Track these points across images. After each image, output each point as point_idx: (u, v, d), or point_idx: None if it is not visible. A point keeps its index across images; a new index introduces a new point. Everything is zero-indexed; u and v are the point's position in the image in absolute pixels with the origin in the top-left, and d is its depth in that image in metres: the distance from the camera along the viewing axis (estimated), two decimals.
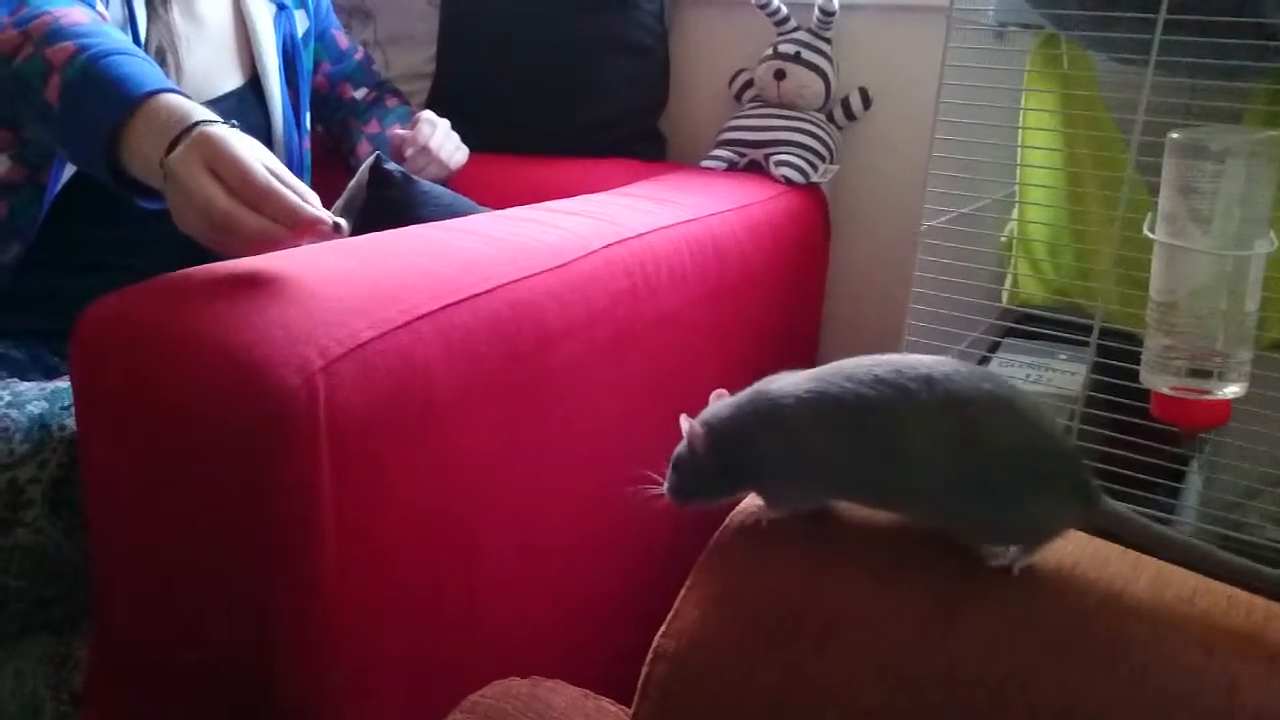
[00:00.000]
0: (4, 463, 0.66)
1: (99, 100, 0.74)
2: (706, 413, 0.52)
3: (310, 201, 0.68)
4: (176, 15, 1.01)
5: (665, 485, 0.53)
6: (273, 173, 0.68)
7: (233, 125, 0.71)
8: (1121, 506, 0.48)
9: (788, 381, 0.50)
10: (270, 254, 0.71)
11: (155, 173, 0.71)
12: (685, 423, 0.51)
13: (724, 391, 0.54)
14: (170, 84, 0.76)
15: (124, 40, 0.81)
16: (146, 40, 0.97)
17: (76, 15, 0.81)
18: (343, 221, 0.70)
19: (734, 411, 0.51)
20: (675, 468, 0.52)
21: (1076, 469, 0.47)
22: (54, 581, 0.70)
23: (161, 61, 0.98)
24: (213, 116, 0.71)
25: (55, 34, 0.78)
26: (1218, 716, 0.41)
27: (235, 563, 0.61)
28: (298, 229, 0.68)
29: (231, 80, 1.08)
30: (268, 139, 1.10)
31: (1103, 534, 0.48)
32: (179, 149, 0.69)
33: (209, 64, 1.05)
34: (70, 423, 0.69)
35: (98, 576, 0.66)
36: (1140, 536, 0.47)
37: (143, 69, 0.76)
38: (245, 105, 1.08)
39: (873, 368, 0.48)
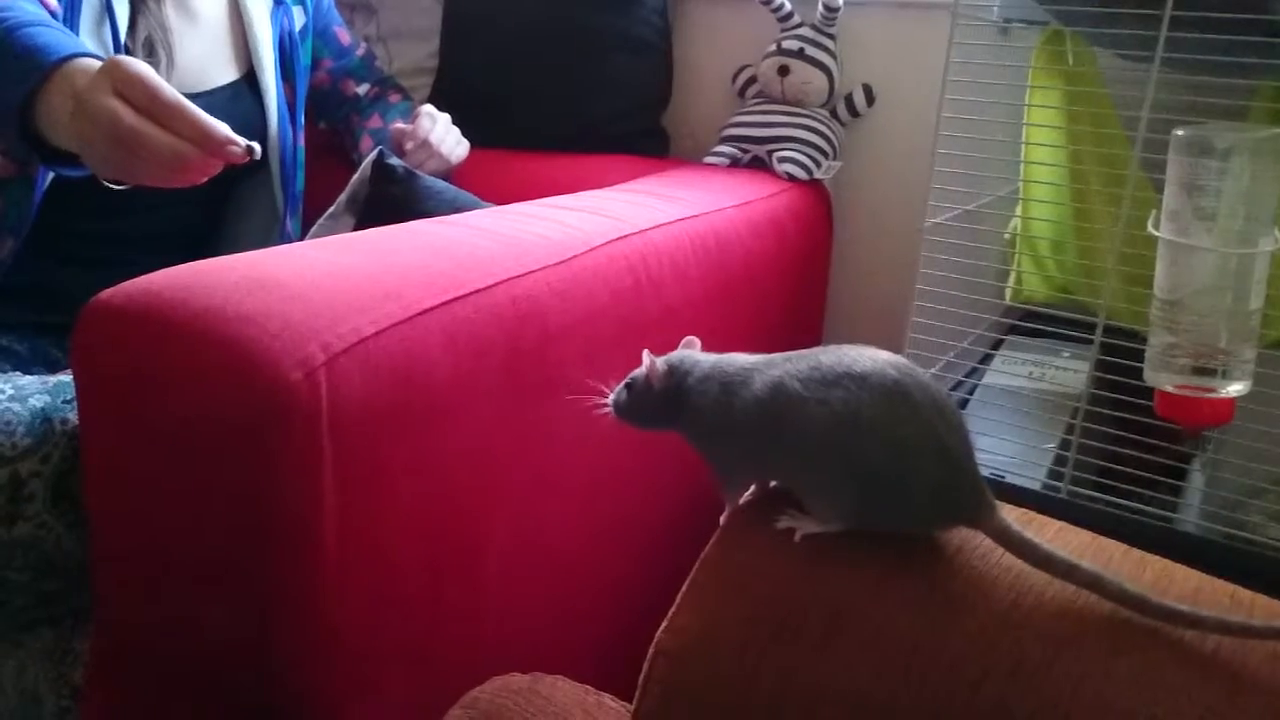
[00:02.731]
0: (6, 456, 0.66)
1: (14, 70, 0.74)
2: (673, 355, 0.56)
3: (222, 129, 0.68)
4: (169, 9, 1.01)
5: (611, 397, 0.57)
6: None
7: None
8: (1012, 524, 0.47)
9: (754, 359, 0.54)
10: (272, 249, 0.71)
11: (66, 131, 0.71)
12: (648, 358, 0.55)
13: (695, 340, 0.58)
14: (86, 49, 0.75)
15: (41, 13, 0.80)
16: (133, 33, 0.97)
17: None
18: (255, 145, 0.69)
19: (693, 365, 0.54)
20: (628, 388, 0.56)
21: (953, 475, 0.48)
22: (55, 576, 0.70)
23: (151, 54, 0.98)
24: None
25: None
26: (1220, 714, 0.41)
27: (236, 558, 0.61)
28: (208, 148, 0.67)
29: (226, 74, 1.07)
30: (262, 134, 1.10)
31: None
32: (88, 78, 0.69)
33: (203, 58, 1.05)
34: (73, 416, 0.69)
35: (99, 571, 0.66)
36: (1029, 556, 0.47)
37: (57, 38, 0.75)
38: (240, 99, 1.08)
39: (815, 354, 0.51)
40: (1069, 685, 0.42)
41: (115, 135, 0.66)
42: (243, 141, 0.68)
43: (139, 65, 0.68)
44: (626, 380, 0.57)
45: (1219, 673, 0.42)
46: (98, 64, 0.73)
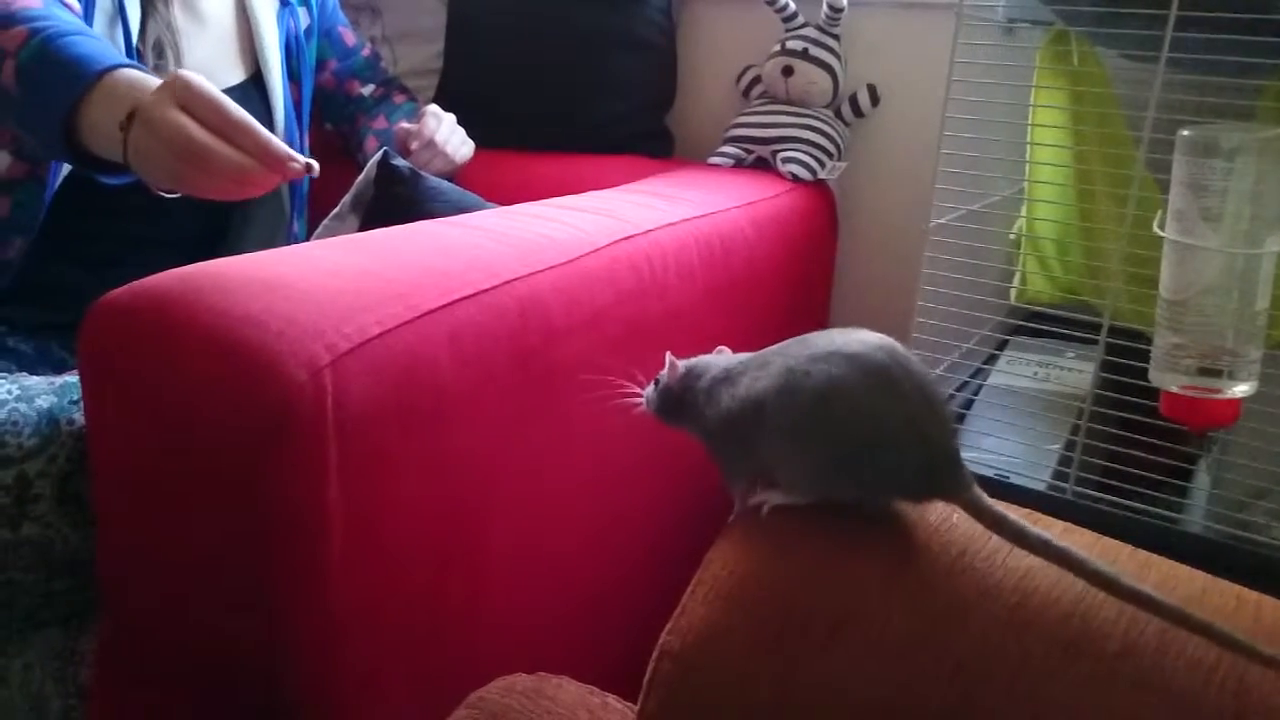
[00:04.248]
0: (13, 457, 0.67)
1: (56, 80, 0.74)
2: (693, 359, 0.59)
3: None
4: (177, 11, 1.01)
5: (645, 393, 0.61)
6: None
7: None
8: (985, 499, 0.48)
9: (753, 354, 0.56)
10: (278, 250, 0.71)
11: (112, 140, 0.72)
12: (670, 358, 0.58)
13: (725, 348, 0.60)
14: (125, 59, 0.76)
15: (77, 22, 0.81)
16: (143, 35, 0.97)
17: (28, 0, 0.81)
18: (314, 162, 0.71)
19: (706, 369, 0.57)
20: (655, 383, 0.60)
21: (928, 449, 0.48)
22: (62, 576, 0.71)
23: (160, 55, 0.99)
24: None
25: (7, 20, 0.79)
26: (1227, 717, 0.41)
27: (241, 558, 0.61)
28: (270, 165, 0.69)
29: (234, 75, 1.08)
30: None
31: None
32: (150, 93, 0.70)
33: (211, 59, 1.05)
34: (79, 417, 0.69)
35: (105, 571, 0.66)
36: (1002, 531, 0.48)
37: (98, 47, 0.76)
38: (248, 100, 1.08)
39: (813, 336, 0.52)
40: (1073, 688, 0.42)
41: (184, 151, 0.67)
42: (302, 159, 0.69)
43: (203, 82, 0.69)
44: (656, 378, 0.60)
45: (1224, 678, 0.42)
46: (140, 74, 0.74)
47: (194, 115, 0.68)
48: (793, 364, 0.50)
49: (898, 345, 0.50)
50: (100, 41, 0.78)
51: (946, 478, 0.48)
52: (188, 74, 0.70)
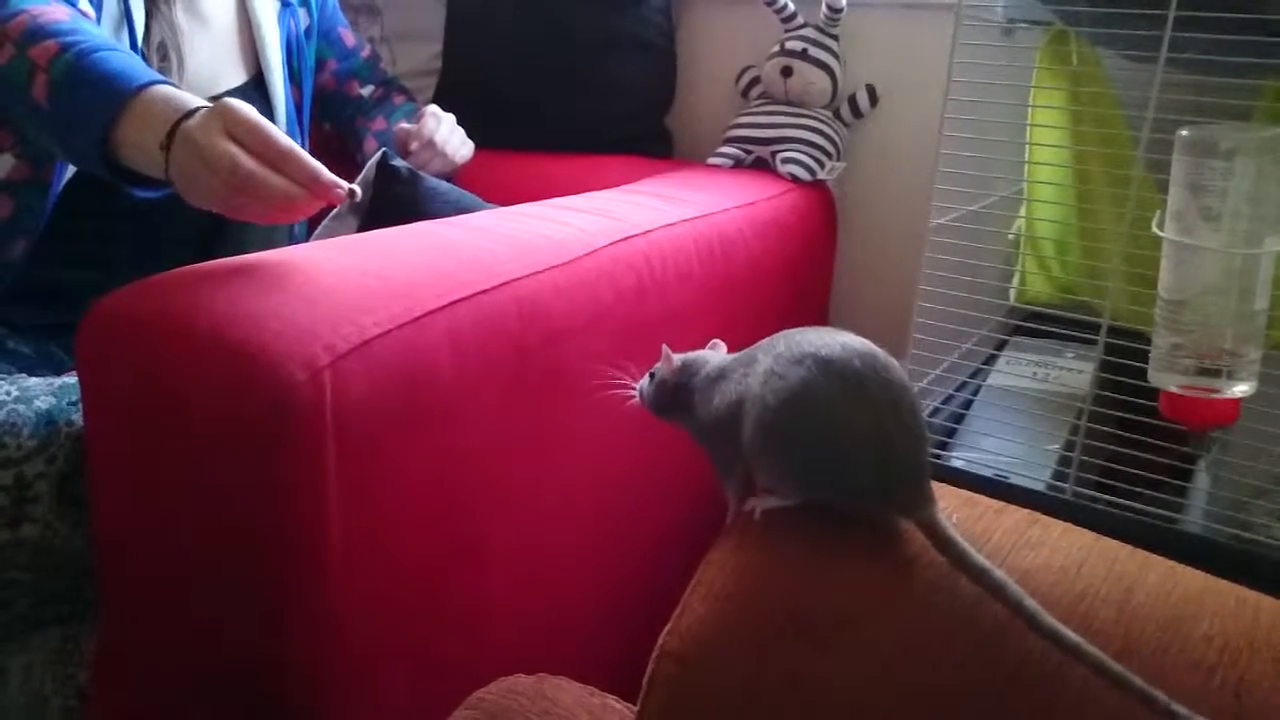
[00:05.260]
0: (12, 458, 0.67)
1: (91, 97, 0.75)
2: (690, 354, 0.59)
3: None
4: (180, 12, 1.01)
5: (638, 385, 0.61)
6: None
7: None
8: (941, 522, 0.47)
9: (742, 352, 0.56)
10: (277, 251, 0.71)
11: (153, 159, 0.72)
12: (667, 352, 0.58)
13: (721, 343, 0.60)
14: (157, 75, 0.76)
15: (104, 35, 0.81)
16: (148, 36, 0.97)
17: (55, 13, 0.81)
18: (357, 188, 0.72)
19: (702, 365, 0.57)
20: (650, 376, 0.60)
21: (889, 458, 0.48)
22: (61, 577, 0.71)
23: (164, 58, 0.99)
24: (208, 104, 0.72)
25: (36, 33, 0.78)
26: (1226, 717, 0.41)
27: (241, 558, 0.61)
28: (316, 192, 0.69)
29: (235, 77, 1.08)
30: None
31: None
32: (196, 118, 0.71)
33: (213, 61, 1.05)
34: (78, 418, 0.69)
35: (104, 571, 0.66)
36: (948, 555, 0.47)
37: (131, 63, 0.77)
38: (249, 101, 1.08)
39: (789, 336, 0.52)
40: (1073, 689, 0.42)
41: (233, 179, 0.68)
42: (345, 184, 0.70)
43: (249, 110, 0.70)
44: (650, 370, 0.60)
45: (1224, 678, 0.42)
46: (174, 90, 0.74)
47: (241, 143, 0.69)
48: (773, 365, 0.50)
49: (879, 352, 0.50)
50: (130, 56, 0.78)
51: (905, 490, 0.48)
52: (236, 103, 0.70)
